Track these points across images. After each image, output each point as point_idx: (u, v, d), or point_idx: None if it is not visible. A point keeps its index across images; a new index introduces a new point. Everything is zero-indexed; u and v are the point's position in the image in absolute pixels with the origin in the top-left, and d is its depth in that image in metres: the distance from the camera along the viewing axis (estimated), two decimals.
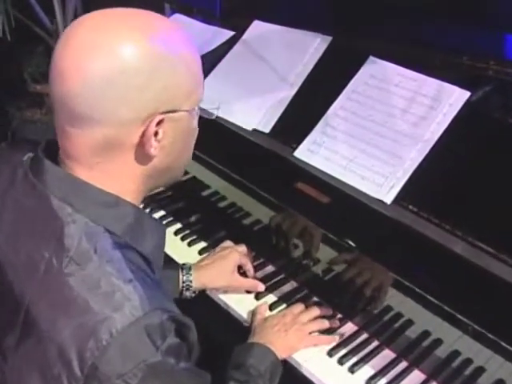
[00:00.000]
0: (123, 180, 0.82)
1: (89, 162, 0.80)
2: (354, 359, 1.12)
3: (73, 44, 0.76)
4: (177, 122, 0.81)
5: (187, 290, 1.24)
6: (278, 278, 1.31)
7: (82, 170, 0.81)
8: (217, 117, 1.33)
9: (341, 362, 1.11)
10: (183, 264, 1.27)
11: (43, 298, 0.76)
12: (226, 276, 1.27)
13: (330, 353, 1.13)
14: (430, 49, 1.27)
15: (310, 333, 1.17)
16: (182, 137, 0.85)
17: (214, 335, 1.29)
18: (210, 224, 1.46)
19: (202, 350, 1.26)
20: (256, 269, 1.33)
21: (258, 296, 1.26)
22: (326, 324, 1.19)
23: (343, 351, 1.14)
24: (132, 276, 0.76)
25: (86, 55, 0.75)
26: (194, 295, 1.25)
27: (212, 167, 1.43)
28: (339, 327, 1.19)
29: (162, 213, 1.50)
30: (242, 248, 1.34)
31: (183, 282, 1.23)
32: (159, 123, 0.79)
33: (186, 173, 1.57)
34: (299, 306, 1.22)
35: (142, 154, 0.80)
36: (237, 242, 1.39)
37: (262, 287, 1.27)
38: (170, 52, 0.78)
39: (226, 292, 1.28)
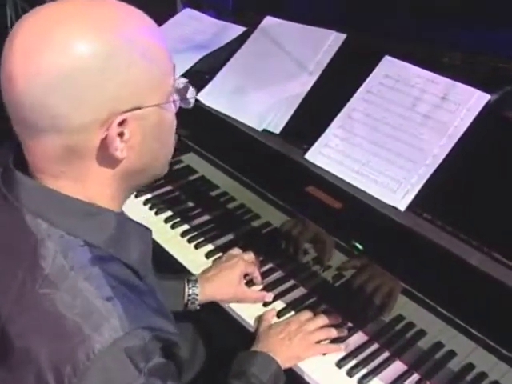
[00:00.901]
0: (94, 186, 0.77)
1: (53, 172, 0.75)
2: (364, 371, 1.09)
3: (18, 44, 0.69)
4: (145, 119, 0.75)
5: (193, 303, 1.20)
6: (287, 284, 1.28)
7: (49, 180, 0.75)
8: (224, 115, 1.33)
9: (350, 373, 1.08)
10: (190, 276, 1.23)
11: (18, 320, 0.72)
12: (232, 288, 1.24)
13: (339, 364, 1.09)
14: (449, 48, 1.23)
15: (317, 342, 1.14)
16: (155, 133, 0.78)
17: (219, 341, 1.27)
18: (218, 226, 1.43)
19: (207, 356, 1.25)
20: (264, 274, 1.30)
21: (266, 303, 1.23)
22: (332, 333, 1.15)
23: (353, 362, 1.10)
24: (112, 293, 0.71)
25: (31, 57, 0.68)
26: (198, 308, 1.21)
27: (221, 167, 1.40)
28: (347, 337, 1.15)
29: (169, 213, 1.46)
30: (249, 256, 1.31)
31: (189, 296, 1.19)
32: (123, 123, 0.72)
33: (195, 172, 1.55)
34: (306, 314, 1.19)
35: (107, 157, 0.74)
36: (245, 245, 1.36)
37: (269, 297, 1.24)
38: (125, 45, 0.71)
39: None
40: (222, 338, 1.29)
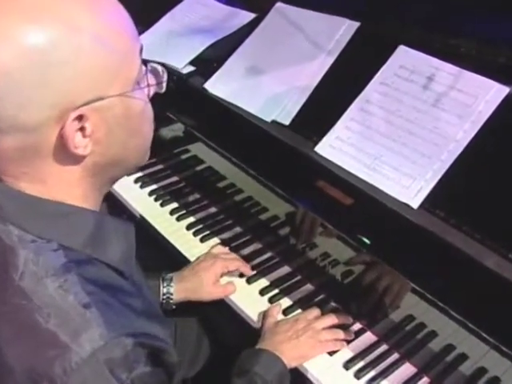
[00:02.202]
0: (60, 187, 0.71)
1: (14, 173, 0.70)
2: (372, 373, 1.05)
3: None
4: (108, 110, 0.68)
5: (167, 302, 1.17)
6: (294, 280, 1.24)
7: (11, 183, 0.70)
8: (232, 104, 1.29)
9: (357, 375, 1.05)
10: (165, 274, 1.20)
11: None
12: (207, 288, 1.20)
13: (347, 365, 1.06)
14: (467, 38, 1.17)
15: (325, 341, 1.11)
16: (122, 124, 0.71)
17: (224, 336, 1.25)
18: (225, 219, 1.39)
19: (211, 351, 1.23)
20: (271, 269, 1.26)
21: (272, 299, 1.20)
22: (341, 334, 1.12)
23: (361, 363, 1.07)
24: (89, 300, 0.66)
25: None
26: (174, 307, 1.18)
27: (229, 157, 1.36)
28: (355, 337, 1.12)
29: (174, 205, 1.43)
30: (228, 255, 1.28)
31: (163, 294, 1.16)
32: (81, 118, 0.66)
33: (202, 162, 1.51)
34: (314, 312, 1.15)
35: (69, 155, 0.69)
36: (252, 238, 1.33)
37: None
38: (70, 32, 0.63)
39: (237, 294, 1.21)
40: (227, 334, 1.27)
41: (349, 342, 1.11)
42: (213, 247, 1.31)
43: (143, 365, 0.67)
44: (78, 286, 0.67)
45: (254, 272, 1.25)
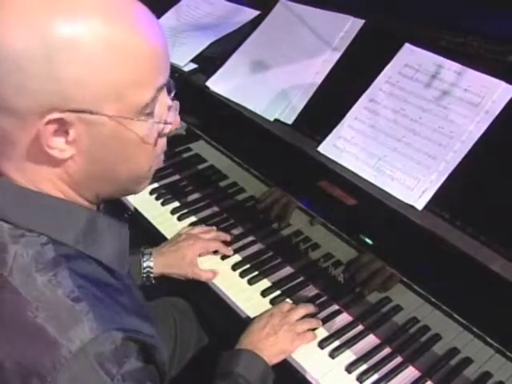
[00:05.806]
0: (41, 181, 0.70)
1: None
2: (375, 376, 1.03)
3: None
4: (94, 126, 0.66)
5: (148, 276, 1.19)
6: (296, 281, 1.22)
7: (9, 170, 0.70)
8: (234, 103, 1.28)
9: (360, 379, 1.02)
10: (144, 249, 1.22)
11: None
12: (183, 266, 1.22)
13: (349, 368, 1.04)
14: (474, 37, 1.15)
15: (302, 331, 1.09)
16: (110, 146, 0.69)
17: (224, 337, 1.23)
18: (226, 218, 1.38)
19: (212, 354, 1.21)
20: (273, 270, 1.24)
21: (274, 301, 1.17)
22: (315, 322, 1.11)
23: (363, 367, 1.05)
24: (79, 294, 0.65)
25: None
26: (153, 282, 1.20)
27: (231, 156, 1.34)
28: (358, 340, 1.10)
29: (176, 204, 1.41)
30: (210, 235, 1.29)
31: (143, 268, 1.19)
32: (62, 122, 0.65)
33: (204, 161, 1.50)
34: (286, 304, 1.15)
35: (43, 153, 0.67)
36: (255, 239, 1.31)
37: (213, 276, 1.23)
38: (88, 36, 0.63)
39: (238, 295, 1.19)
40: (226, 334, 1.25)
41: (352, 344, 1.09)
42: (191, 227, 1.33)
43: (134, 360, 0.66)
44: (68, 280, 0.66)
45: (256, 273, 1.23)
